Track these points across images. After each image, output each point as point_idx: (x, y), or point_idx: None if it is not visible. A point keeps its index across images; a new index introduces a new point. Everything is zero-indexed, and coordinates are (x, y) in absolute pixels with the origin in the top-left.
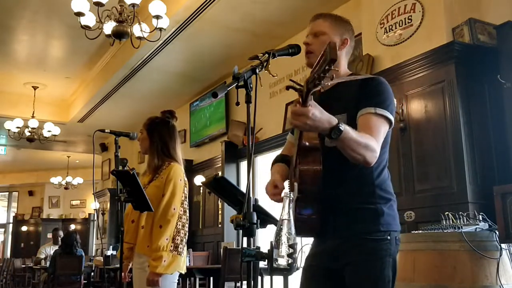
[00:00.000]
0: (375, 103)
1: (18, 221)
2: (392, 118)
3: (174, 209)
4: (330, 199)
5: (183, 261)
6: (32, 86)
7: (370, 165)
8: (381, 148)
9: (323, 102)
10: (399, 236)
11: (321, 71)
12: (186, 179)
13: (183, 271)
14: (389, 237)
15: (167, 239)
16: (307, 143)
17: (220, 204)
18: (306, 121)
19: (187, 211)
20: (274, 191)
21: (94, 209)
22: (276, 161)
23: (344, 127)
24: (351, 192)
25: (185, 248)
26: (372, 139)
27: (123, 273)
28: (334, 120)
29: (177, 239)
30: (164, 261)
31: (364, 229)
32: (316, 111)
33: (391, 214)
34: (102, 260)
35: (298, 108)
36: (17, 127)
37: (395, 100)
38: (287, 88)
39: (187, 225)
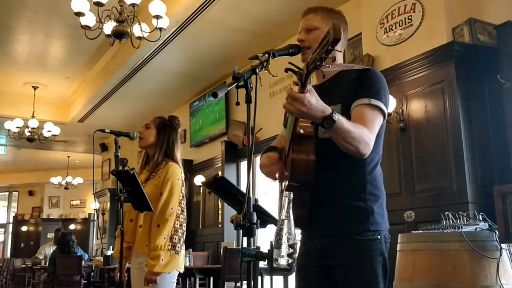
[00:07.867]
0: (369, 94)
1: (18, 221)
2: (385, 110)
3: (172, 208)
4: (319, 193)
5: (182, 260)
6: (32, 86)
7: (364, 157)
8: (375, 142)
9: (319, 93)
10: (389, 234)
11: (323, 51)
12: (183, 178)
13: (182, 270)
14: (379, 237)
15: (165, 238)
16: (301, 131)
17: (220, 204)
18: (300, 107)
19: (185, 210)
20: (266, 162)
21: (94, 209)
22: (265, 151)
23: (337, 117)
24: (341, 187)
25: (183, 247)
26: (366, 130)
27: (121, 272)
28: (328, 109)
29: (175, 238)
30: (162, 260)
31: (353, 229)
32: (312, 99)
33: (380, 213)
34: (102, 260)
35: (294, 92)
36: (17, 127)
37: (388, 93)
38: (286, 70)
39: (184, 225)
